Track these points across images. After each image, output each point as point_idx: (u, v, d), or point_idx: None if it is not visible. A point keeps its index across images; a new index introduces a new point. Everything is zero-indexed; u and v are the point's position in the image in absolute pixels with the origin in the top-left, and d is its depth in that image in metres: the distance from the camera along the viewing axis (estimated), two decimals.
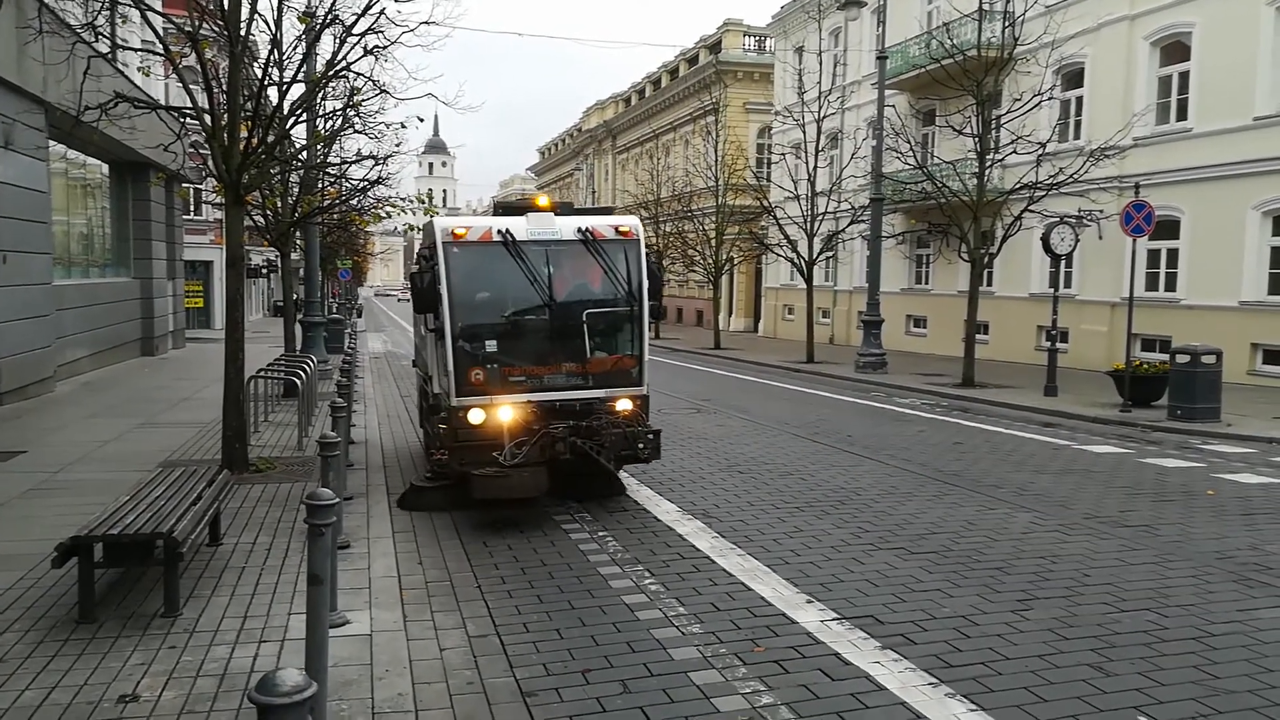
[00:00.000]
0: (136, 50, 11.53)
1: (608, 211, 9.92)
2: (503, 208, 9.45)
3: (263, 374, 13.75)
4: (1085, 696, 4.93)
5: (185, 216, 30.24)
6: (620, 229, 8.94)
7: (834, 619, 6.09)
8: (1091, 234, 20.74)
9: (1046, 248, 18.13)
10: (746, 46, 46.82)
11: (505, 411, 8.33)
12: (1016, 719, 4.68)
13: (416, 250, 11.11)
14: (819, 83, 28.22)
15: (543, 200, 9.15)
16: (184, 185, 26.04)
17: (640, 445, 8.51)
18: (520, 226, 8.59)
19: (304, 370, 13.70)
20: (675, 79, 52.47)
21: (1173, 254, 21.78)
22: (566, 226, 8.77)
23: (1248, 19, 19.73)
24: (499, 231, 8.48)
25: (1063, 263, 19.64)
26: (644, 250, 9.03)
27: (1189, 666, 5.34)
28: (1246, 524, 8.71)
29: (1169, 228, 21.10)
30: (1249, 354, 19.71)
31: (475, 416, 8.29)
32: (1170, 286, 21.88)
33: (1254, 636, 5.82)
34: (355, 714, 4.46)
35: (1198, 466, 11.62)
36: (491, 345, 8.51)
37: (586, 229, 8.78)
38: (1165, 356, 17.37)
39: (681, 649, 5.61)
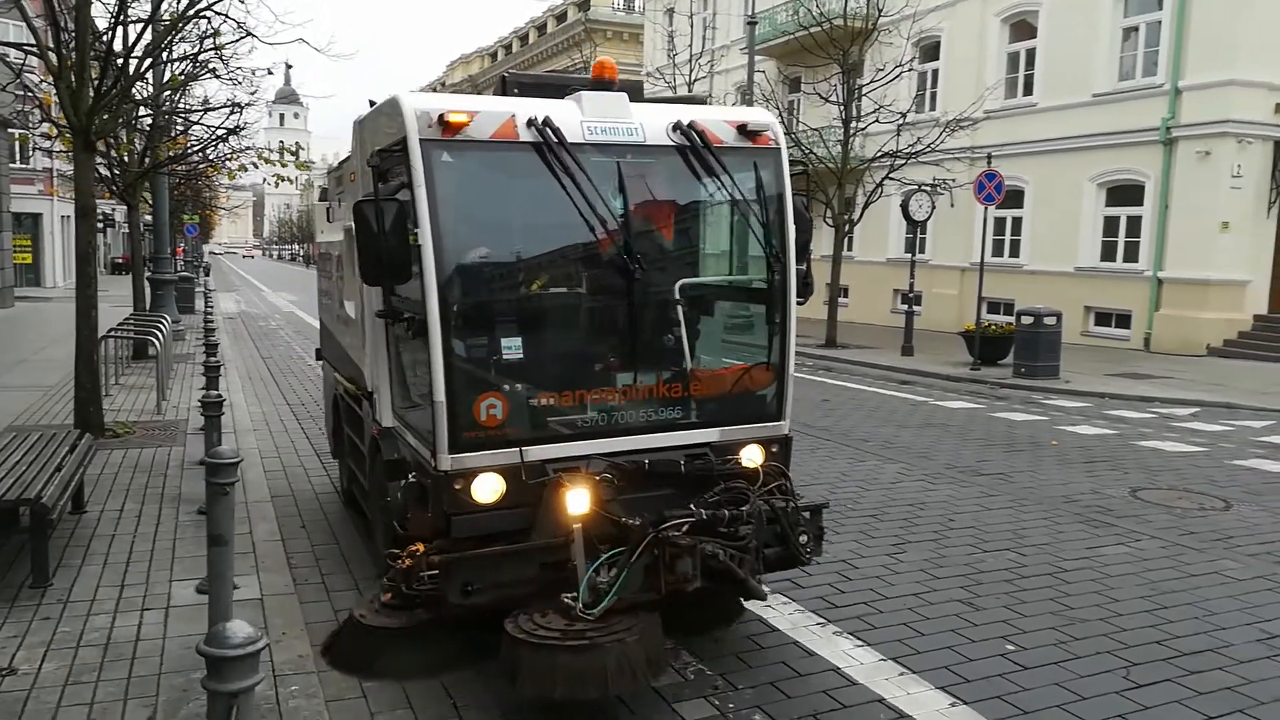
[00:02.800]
0: None
1: (699, 102, 5.65)
2: (526, 85, 5.12)
3: (113, 334, 12.95)
4: (959, 630, 5.32)
5: (10, 165, 27.86)
6: (749, 128, 4.99)
7: None
8: (944, 201, 21.82)
9: (905, 214, 18.99)
10: (616, 5, 46.61)
11: (549, 481, 4.49)
12: (898, 652, 5.00)
13: (338, 174, 7.05)
14: (690, 46, 28.41)
15: (605, 67, 5.11)
16: (11, 131, 23.93)
17: (801, 536, 4.71)
18: (569, 117, 4.62)
19: (159, 330, 12.99)
20: (543, 35, 51.75)
21: (1017, 222, 23.16)
22: (653, 120, 4.83)
23: (1089, 1, 21.01)
24: (530, 123, 4.49)
25: (918, 229, 20.61)
26: (788, 171, 5.10)
27: (1047, 599, 5.82)
28: (1087, 471, 9.48)
29: (1014, 197, 22.40)
30: (1083, 316, 21.25)
31: (487, 490, 4.42)
32: (1015, 253, 23.30)
33: (1101, 570, 6.39)
34: None
35: (1042, 419, 12.52)
36: (514, 347, 4.61)
37: (690, 125, 4.81)
38: (1011, 318, 18.54)
39: None
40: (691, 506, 4.47)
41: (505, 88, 5.02)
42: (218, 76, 12.43)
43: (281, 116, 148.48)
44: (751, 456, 4.96)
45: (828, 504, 5.14)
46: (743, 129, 4.98)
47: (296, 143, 13.05)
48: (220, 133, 13.49)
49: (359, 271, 4.57)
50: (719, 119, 4.96)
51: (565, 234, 4.77)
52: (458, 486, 4.36)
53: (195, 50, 12.29)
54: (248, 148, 15.73)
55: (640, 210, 4.87)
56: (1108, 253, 21.10)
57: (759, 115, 5.14)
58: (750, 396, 5.12)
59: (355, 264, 5.09)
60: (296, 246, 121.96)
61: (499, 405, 4.45)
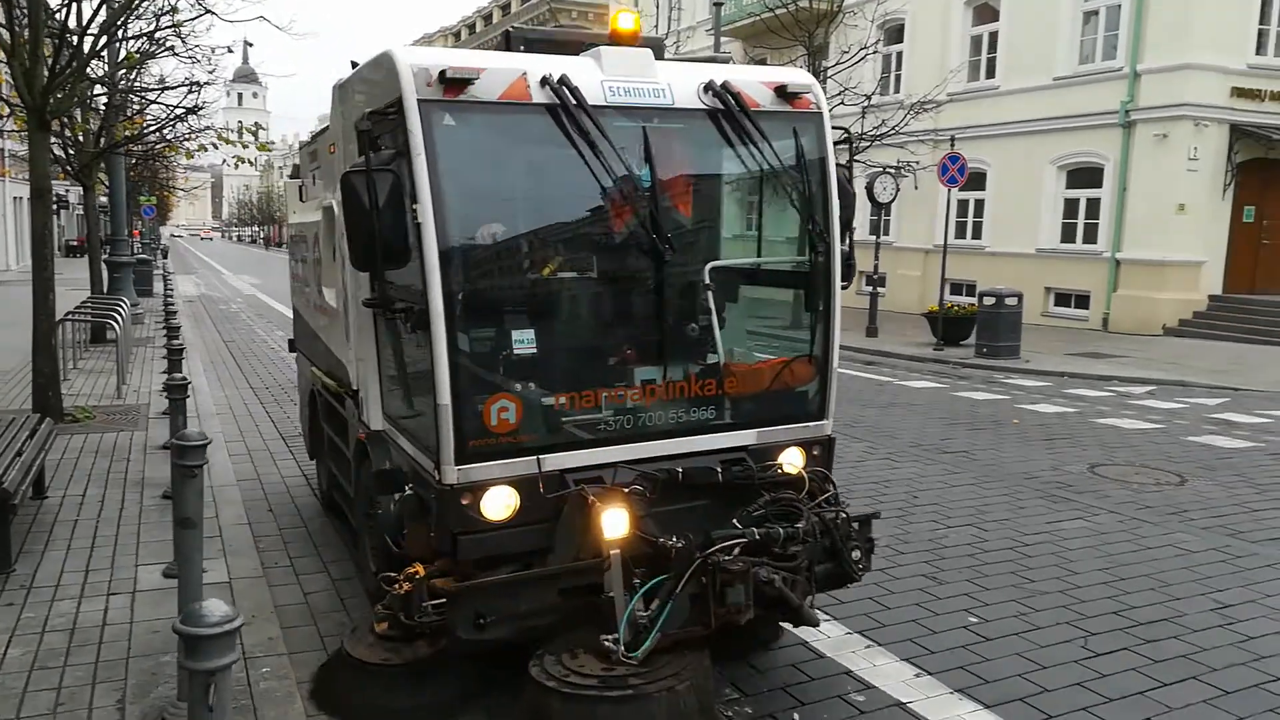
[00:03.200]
0: None
1: (723, 62, 4.86)
2: (533, 41, 4.53)
3: (71, 317, 12.71)
4: (922, 603, 5.43)
5: None
6: (788, 90, 4.48)
7: None
8: (908, 183, 22.00)
9: (870, 196, 19.10)
10: None
11: (570, 495, 4.02)
12: (864, 625, 5.10)
13: (312, 148, 6.42)
14: (655, 26, 28.29)
15: (626, 21, 4.42)
16: None
17: (852, 549, 4.28)
18: (587, 75, 4.09)
19: (118, 314, 12.78)
20: (508, 14, 51.26)
21: (979, 204, 23.40)
22: (681, 80, 4.31)
23: None
24: (544, 82, 3.98)
25: (883, 211, 20.75)
26: (830, 138, 4.61)
27: (1008, 573, 5.95)
28: (1047, 448, 9.66)
29: (977, 179, 22.62)
30: (1043, 297, 21.56)
31: (498, 506, 3.95)
32: (977, 234, 23.55)
33: (1060, 544, 6.53)
34: None
35: (1003, 398, 12.73)
36: (526, 340, 4.08)
37: (724, 86, 4.31)
38: (973, 299, 18.77)
39: None
40: (735, 523, 3.99)
41: (509, 44, 4.41)
42: (176, 54, 12.21)
43: (240, 96, 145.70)
44: (791, 460, 4.48)
45: (878, 513, 4.64)
46: (781, 91, 4.45)
47: (256, 123, 12.80)
48: (178, 112, 13.26)
49: (349, 255, 3.98)
50: (754, 80, 4.45)
51: (584, 210, 4.30)
52: (465, 502, 3.84)
53: (152, 28, 12.06)
54: (206, 128, 15.47)
55: (668, 182, 4.33)
56: (1067, 234, 21.39)
57: (798, 76, 4.59)
58: (790, 393, 4.63)
59: (338, 246, 4.77)
60: (256, 229, 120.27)
61: (511, 408, 3.91)
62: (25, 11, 8.93)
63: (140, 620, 4.73)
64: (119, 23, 10.06)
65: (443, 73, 3.77)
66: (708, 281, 4.37)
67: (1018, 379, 14.50)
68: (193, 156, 14.55)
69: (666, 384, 4.30)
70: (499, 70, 3.94)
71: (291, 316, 8.04)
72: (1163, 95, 18.98)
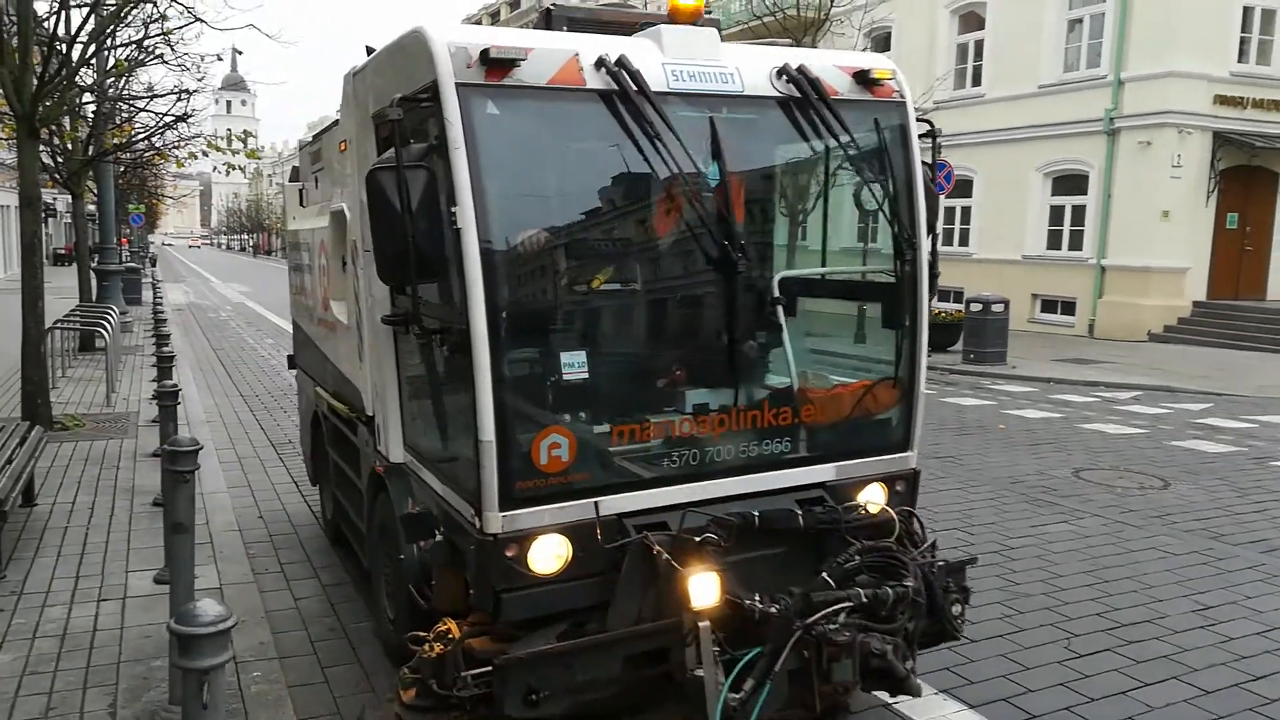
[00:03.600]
0: None
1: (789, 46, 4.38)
2: (579, 20, 3.96)
3: (60, 325, 12.72)
4: None
5: None
6: (870, 76, 3.98)
7: None
8: None
9: (857, 203, 19.20)
10: None
11: (632, 545, 3.49)
12: None
13: (313, 149, 5.92)
14: None
15: None
16: None
17: (952, 603, 3.75)
18: (648, 58, 3.60)
19: (107, 322, 12.78)
20: (515, 10, 51.48)
21: (966, 211, 23.55)
22: (751, 64, 3.81)
23: None
24: (600, 64, 3.49)
25: (870, 218, 20.81)
26: (915, 131, 4.13)
27: (994, 576, 6.02)
28: (1033, 453, 9.75)
29: (963, 186, 22.75)
30: (1029, 303, 21.71)
31: (548, 558, 3.45)
32: (964, 241, 23.69)
33: (1045, 547, 6.61)
34: None
35: (990, 404, 12.82)
36: (579, 364, 3.56)
37: (800, 71, 3.81)
38: (960, 306, 18.89)
39: None
40: (826, 578, 3.42)
41: (550, 22, 3.83)
42: (165, 62, 12.22)
43: (229, 103, 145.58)
44: (873, 498, 3.99)
45: (974, 559, 4.11)
46: (861, 77, 3.94)
47: (245, 130, 12.82)
48: (167, 120, 13.27)
49: (376, 266, 3.45)
50: (830, 64, 3.94)
51: (644, 214, 3.80)
52: (510, 554, 3.31)
53: (141, 35, 12.08)
54: (196, 135, 15.48)
55: (739, 181, 3.81)
56: (1053, 241, 21.55)
57: (880, 60, 4.09)
58: (871, 421, 4.15)
59: (350, 255, 4.52)
60: (245, 236, 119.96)
61: (564, 443, 3.38)
62: (14, 19, 8.94)
63: (131, 626, 4.75)
64: (108, 31, 10.08)
65: (485, 52, 3.24)
66: (777, 294, 3.91)
67: (1004, 384, 14.60)
68: (183, 165, 14.55)
69: (737, 412, 3.77)
70: (548, 51, 3.41)
71: (291, 330, 7.42)
72: (1146, 103, 19.17)
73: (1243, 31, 19.45)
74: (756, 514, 3.57)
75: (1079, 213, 20.88)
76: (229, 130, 15.10)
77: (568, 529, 3.41)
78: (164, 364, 7.73)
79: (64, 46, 9.14)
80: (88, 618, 4.84)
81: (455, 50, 3.26)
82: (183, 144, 15.94)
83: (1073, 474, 8.81)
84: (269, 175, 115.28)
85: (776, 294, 3.92)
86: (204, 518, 6.54)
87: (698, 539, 3.38)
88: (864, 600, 3.38)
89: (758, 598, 3.30)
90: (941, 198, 18.39)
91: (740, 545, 3.51)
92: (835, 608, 3.30)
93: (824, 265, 4.38)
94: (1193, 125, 19.11)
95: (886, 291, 4.20)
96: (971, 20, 23.48)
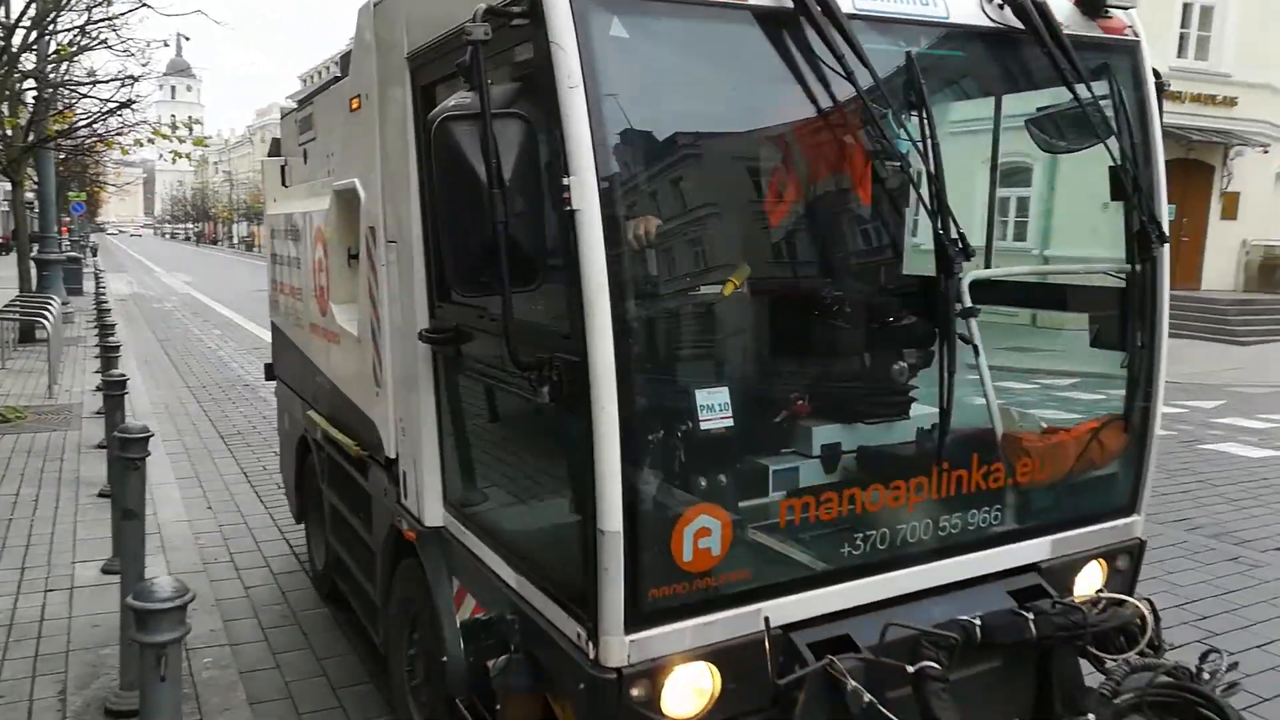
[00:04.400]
0: None
1: None
2: None
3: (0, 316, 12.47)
4: None
5: None
6: (1098, 4, 2.95)
7: None
8: None
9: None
10: None
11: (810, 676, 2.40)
12: None
13: (302, 117, 4.91)
14: None
15: None
16: None
17: None
18: None
19: (48, 312, 12.55)
20: None
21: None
22: None
23: None
24: None
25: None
26: (1151, 81, 3.15)
27: None
28: None
29: None
30: None
31: (688, 697, 2.39)
32: (913, 232, 24.12)
33: None
34: None
35: None
36: (718, 405, 2.42)
37: None
38: None
39: None
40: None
41: None
42: (109, 47, 12.01)
43: (173, 89, 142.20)
44: (1091, 580, 3.03)
45: (1237, 667, 2.82)
46: (1088, 5, 2.92)
47: (190, 116, 12.63)
48: (111, 105, 13.04)
49: (448, 267, 2.44)
50: None
51: (828, 184, 2.89)
52: (637, 694, 2.29)
53: (84, 21, 11.84)
54: (141, 122, 15.20)
55: (948, 142, 2.72)
56: (1000, 232, 22.02)
57: None
58: (1092, 477, 3.14)
59: (366, 248, 3.49)
60: (190, 226, 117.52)
61: (717, 527, 2.32)
62: None
63: (79, 615, 4.75)
64: (51, 16, 9.90)
65: None
66: (970, 304, 2.79)
67: None
68: (127, 152, 14.29)
69: (939, 471, 2.70)
70: None
71: (270, 334, 6.19)
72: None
73: (1182, 27, 20.04)
74: (978, 623, 2.56)
75: (1023, 204, 21.33)
76: (173, 116, 14.86)
77: (717, 653, 2.38)
78: (109, 354, 7.65)
79: (3, 32, 8.95)
80: (35, 608, 4.83)
81: None
82: (127, 131, 15.64)
83: None
84: (215, 163, 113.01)
85: (969, 303, 2.79)
86: (152, 509, 6.49)
87: (911, 666, 2.41)
88: None
89: None
90: None
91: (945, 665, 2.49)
92: None
93: (1044, 260, 3.25)
94: None
95: (1112, 298, 3.19)
96: None
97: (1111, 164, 2.94)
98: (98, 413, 8.82)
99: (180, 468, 8.03)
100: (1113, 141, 2.95)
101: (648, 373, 2.35)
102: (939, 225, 2.56)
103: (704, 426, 2.38)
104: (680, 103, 2.60)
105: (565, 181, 2.13)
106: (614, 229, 2.17)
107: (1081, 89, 2.78)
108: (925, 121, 2.59)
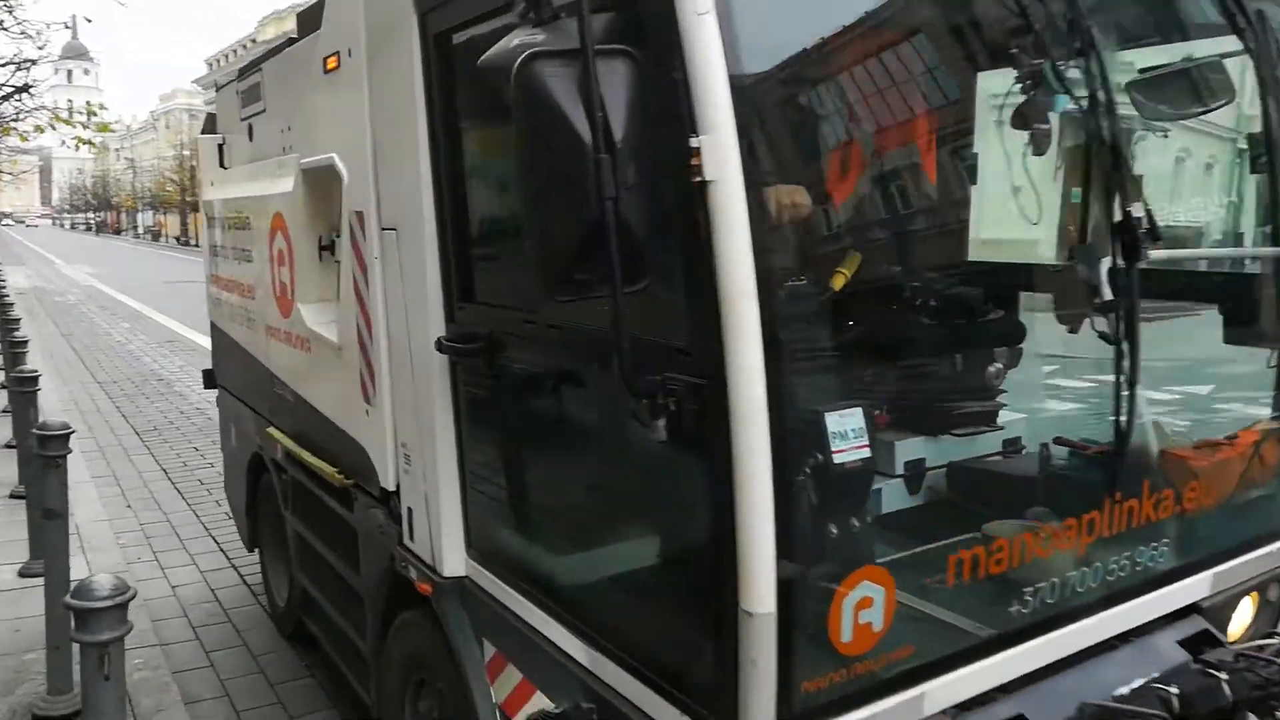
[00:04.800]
0: None
1: None
2: None
3: None
4: None
5: None
6: None
7: None
8: None
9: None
10: None
11: None
12: None
13: (251, 82, 4.20)
14: None
15: None
16: None
17: None
18: None
19: None
20: None
21: None
22: None
23: None
24: None
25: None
26: None
27: None
28: None
29: None
30: None
31: None
32: None
33: None
34: None
35: None
36: (854, 433, 1.79)
37: None
38: None
39: None
40: None
41: None
42: (4, 29, 11.43)
43: (70, 73, 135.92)
44: (1243, 618, 2.60)
45: None
46: None
47: (89, 102, 12.11)
48: (7, 90, 12.41)
49: (536, 258, 1.71)
50: None
51: (988, 156, 2.46)
52: None
53: None
54: (39, 107, 14.50)
55: (1130, 105, 2.30)
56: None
57: None
58: (1250, 497, 2.66)
59: (350, 238, 2.94)
60: (91, 215, 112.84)
61: (879, 597, 1.82)
62: None
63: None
64: None
65: None
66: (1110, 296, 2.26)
67: None
68: (27, 139, 13.62)
69: (1111, 504, 2.22)
70: None
71: (210, 336, 5.48)
72: None
73: None
74: (1175, 691, 2.10)
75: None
76: (70, 101, 14.24)
77: None
78: (16, 349, 7.35)
79: None
80: None
81: None
82: (25, 116, 14.88)
83: None
84: (117, 150, 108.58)
85: (1108, 294, 2.30)
86: (69, 509, 6.30)
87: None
88: None
89: None
90: None
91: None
92: None
93: (1214, 243, 2.85)
94: None
95: (1266, 288, 2.70)
96: None
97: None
98: (4, 411, 8.45)
99: (96, 466, 7.77)
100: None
101: (806, 402, 1.79)
102: (1124, 207, 2.12)
103: (844, 459, 1.79)
104: (829, 49, 2.02)
105: (693, 143, 1.57)
106: (760, 207, 1.62)
107: (1265, 42, 2.33)
108: (1103, 78, 2.11)
